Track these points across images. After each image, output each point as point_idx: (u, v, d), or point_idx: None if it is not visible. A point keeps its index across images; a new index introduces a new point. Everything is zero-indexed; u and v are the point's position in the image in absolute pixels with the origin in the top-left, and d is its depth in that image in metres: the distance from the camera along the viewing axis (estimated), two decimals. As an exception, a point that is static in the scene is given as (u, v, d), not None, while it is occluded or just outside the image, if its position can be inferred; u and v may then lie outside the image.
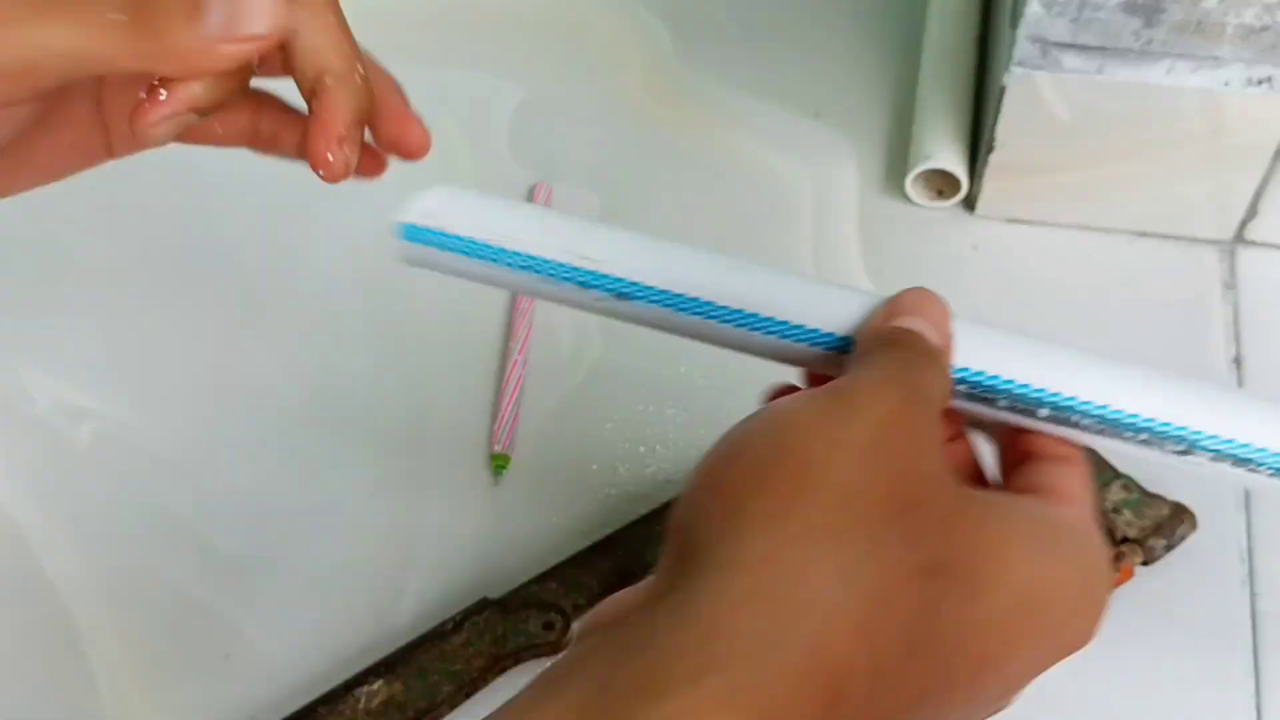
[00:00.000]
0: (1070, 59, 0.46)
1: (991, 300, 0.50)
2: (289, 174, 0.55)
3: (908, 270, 0.51)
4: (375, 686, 0.39)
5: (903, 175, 0.53)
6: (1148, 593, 0.42)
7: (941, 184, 0.52)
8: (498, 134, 0.53)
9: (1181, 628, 0.42)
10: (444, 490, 0.46)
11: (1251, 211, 0.49)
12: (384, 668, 0.40)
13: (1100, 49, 0.46)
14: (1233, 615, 0.42)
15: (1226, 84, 0.45)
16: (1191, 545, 0.43)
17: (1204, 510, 0.44)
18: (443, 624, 0.41)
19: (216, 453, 0.47)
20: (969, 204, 0.52)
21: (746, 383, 0.48)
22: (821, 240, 0.52)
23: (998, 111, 0.48)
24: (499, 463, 0.46)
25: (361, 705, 0.39)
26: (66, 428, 0.48)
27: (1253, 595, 0.42)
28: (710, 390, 0.48)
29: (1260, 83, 0.45)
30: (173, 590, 0.44)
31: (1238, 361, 0.48)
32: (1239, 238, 0.51)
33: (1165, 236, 0.51)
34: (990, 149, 0.49)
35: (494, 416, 0.47)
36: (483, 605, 0.41)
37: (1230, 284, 0.50)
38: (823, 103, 0.57)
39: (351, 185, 0.33)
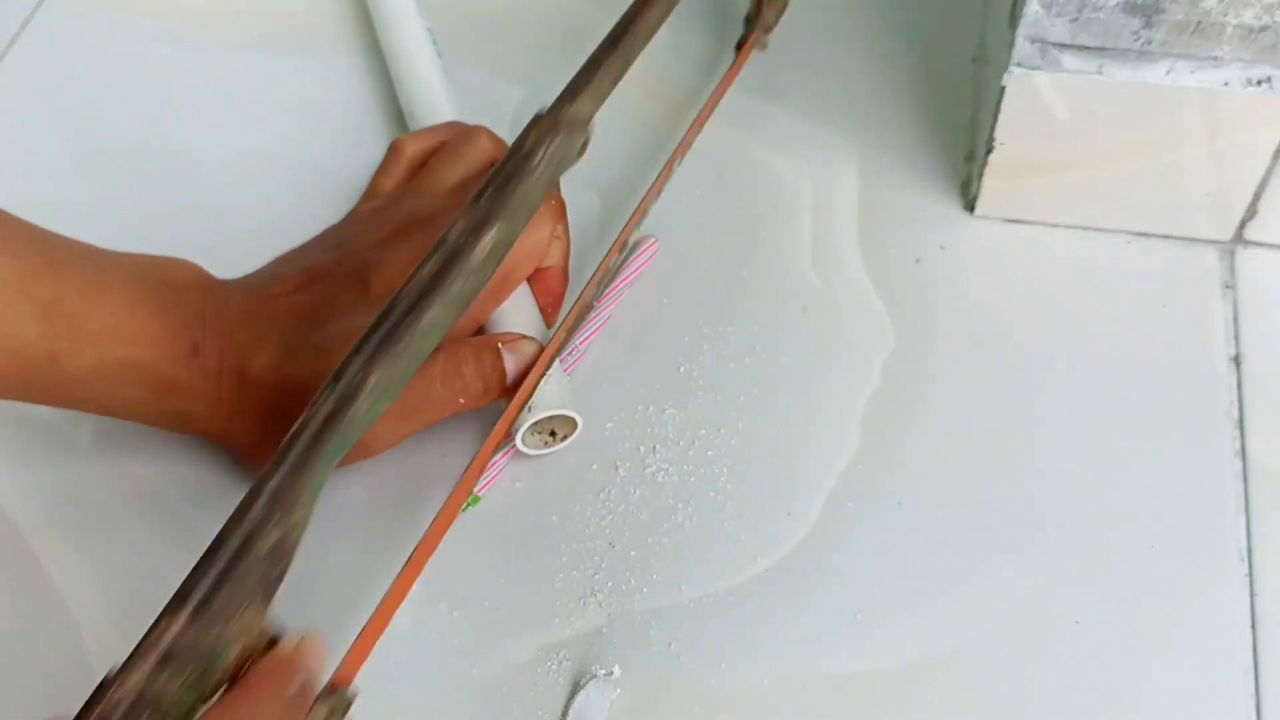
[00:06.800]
0: (1070, 59, 0.46)
1: (990, 300, 0.50)
2: (293, 179, 0.55)
3: (907, 270, 0.51)
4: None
5: (902, 176, 0.53)
6: (1146, 591, 0.42)
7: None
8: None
9: (1181, 628, 0.42)
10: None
11: (1251, 211, 0.49)
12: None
13: (1100, 49, 0.46)
14: (1233, 615, 0.42)
15: (1226, 84, 0.45)
16: (1190, 545, 0.43)
17: (1202, 508, 0.44)
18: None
19: (216, 453, 0.47)
20: (969, 204, 0.52)
21: (746, 383, 0.48)
22: (821, 240, 0.52)
23: (997, 112, 0.48)
24: (469, 500, 0.45)
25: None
26: (67, 428, 0.48)
27: (1253, 595, 0.42)
28: (710, 390, 0.48)
29: (1259, 83, 0.45)
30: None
31: (1237, 361, 0.48)
32: (1238, 238, 0.51)
33: (1165, 236, 0.51)
34: (990, 149, 0.49)
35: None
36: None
37: (1230, 284, 0.50)
38: (823, 102, 0.57)
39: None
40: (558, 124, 0.42)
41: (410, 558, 0.39)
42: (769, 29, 0.58)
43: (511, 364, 0.44)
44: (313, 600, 0.43)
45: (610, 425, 0.47)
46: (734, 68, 0.56)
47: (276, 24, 0.62)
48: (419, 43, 0.56)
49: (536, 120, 0.42)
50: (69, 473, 0.47)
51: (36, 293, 0.39)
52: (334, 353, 0.41)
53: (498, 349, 0.44)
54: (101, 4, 0.63)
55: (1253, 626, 0.42)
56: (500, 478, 0.46)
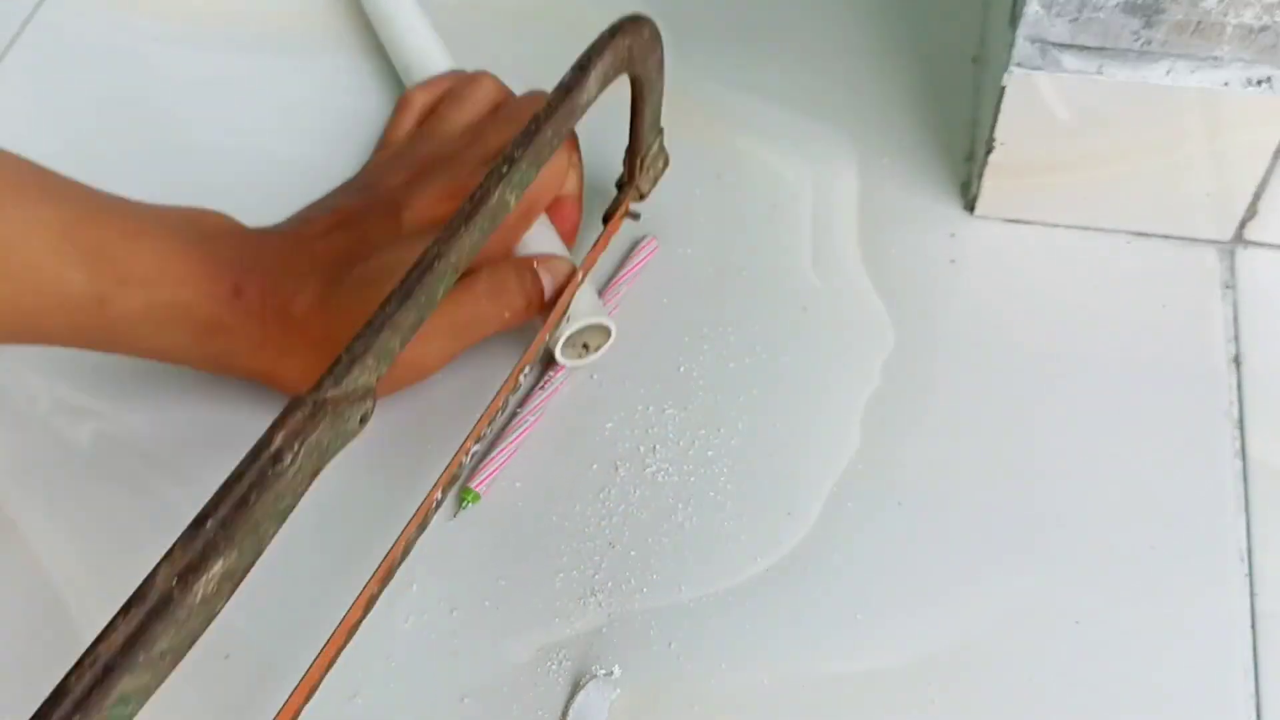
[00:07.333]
0: (1070, 59, 0.46)
1: (990, 300, 0.50)
2: (293, 179, 0.55)
3: (908, 270, 0.51)
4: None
5: (902, 176, 0.53)
6: (1146, 591, 0.42)
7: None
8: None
9: (1181, 628, 0.42)
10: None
11: (1251, 211, 0.49)
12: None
13: (1100, 49, 0.46)
14: (1233, 615, 0.42)
15: (1226, 84, 0.45)
16: (1190, 545, 0.43)
17: (1202, 508, 0.44)
18: None
19: (216, 453, 0.46)
20: (969, 204, 0.52)
21: (746, 383, 0.48)
22: (821, 240, 0.52)
23: (997, 112, 0.48)
24: (468, 497, 0.45)
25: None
26: (67, 428, 0.48)
27: (1253, 595, 0.42)
28: (710, 390, 0.48)
29: (1259, 83, 0.45)
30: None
31: (1237, 361, 0.48)
32: (1238, 238, 0.51)
33: (1165, 236, 0.51)
34: (990, 149, 0.49)
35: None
36: None
37: (1230, 284, 0.50)
38: (823, 103, 0.57)
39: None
40: (322, 407, 0.33)
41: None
42: (643, 196, 0.51)
43: (548, 280, 0.47)
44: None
45: (610, 425, 0.47)
46: (600, 243, 0.50)
47: (276, 24, 0.62)
48: (404, 3, 0.58)
49: (291, 406, 0.33)
50: (69, 473, 0.47)
51: (81, 239, 0.40)
52: (380, 283, 0.42)
53: (534, 267, 0.46)
54: (101, 4, 0.63)
55: (1253, 626, 0.42)
56: (500, 477, 0.46)
